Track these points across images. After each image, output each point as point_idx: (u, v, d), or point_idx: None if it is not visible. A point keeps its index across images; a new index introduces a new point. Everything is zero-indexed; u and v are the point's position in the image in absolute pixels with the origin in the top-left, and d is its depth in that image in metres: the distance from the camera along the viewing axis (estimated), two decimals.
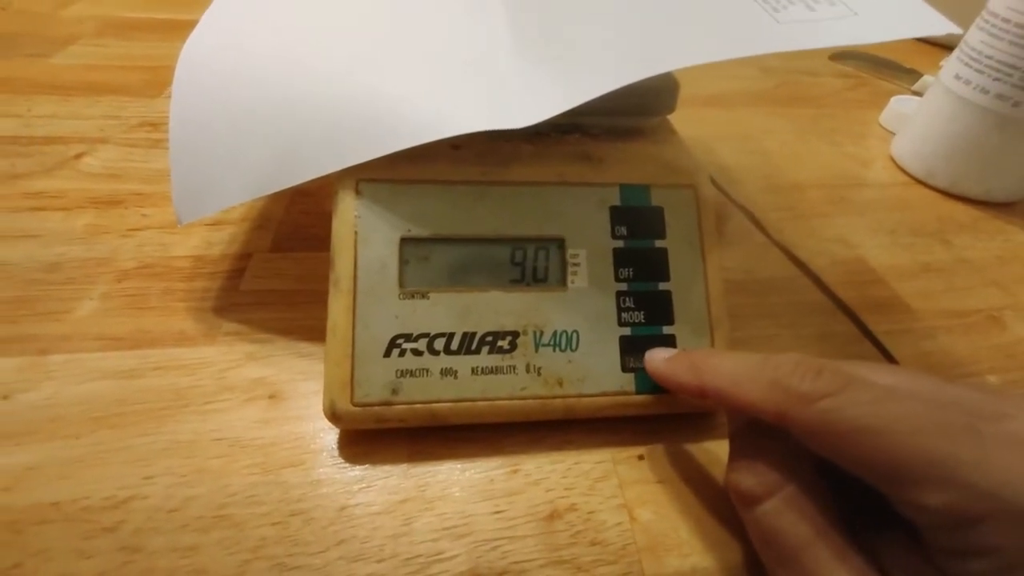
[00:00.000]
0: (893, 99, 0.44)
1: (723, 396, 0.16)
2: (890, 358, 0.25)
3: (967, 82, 0.33)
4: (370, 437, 0.20)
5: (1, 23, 0.47)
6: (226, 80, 0.21)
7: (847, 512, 0.15)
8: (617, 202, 0.21)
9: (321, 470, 0.19)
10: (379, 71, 0.21)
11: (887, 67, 0.53)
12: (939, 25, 0.18)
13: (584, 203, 0.21)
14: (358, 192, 0.20)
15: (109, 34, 0.47)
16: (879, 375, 0.15)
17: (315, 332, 0.23)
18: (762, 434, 0.17)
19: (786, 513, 0.15)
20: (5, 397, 0.20)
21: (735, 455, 0.17)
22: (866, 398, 0.14)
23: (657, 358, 0.19)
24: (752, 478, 0.16)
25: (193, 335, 0.23)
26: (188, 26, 0.22)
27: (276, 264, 0.27)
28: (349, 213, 0.20)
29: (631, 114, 0.23)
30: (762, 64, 0.53)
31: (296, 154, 0.20)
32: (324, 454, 0.19)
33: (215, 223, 0.28)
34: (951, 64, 0.35)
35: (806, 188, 0.36)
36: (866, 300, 0.27)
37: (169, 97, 0.21)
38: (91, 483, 0.18)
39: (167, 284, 0.25)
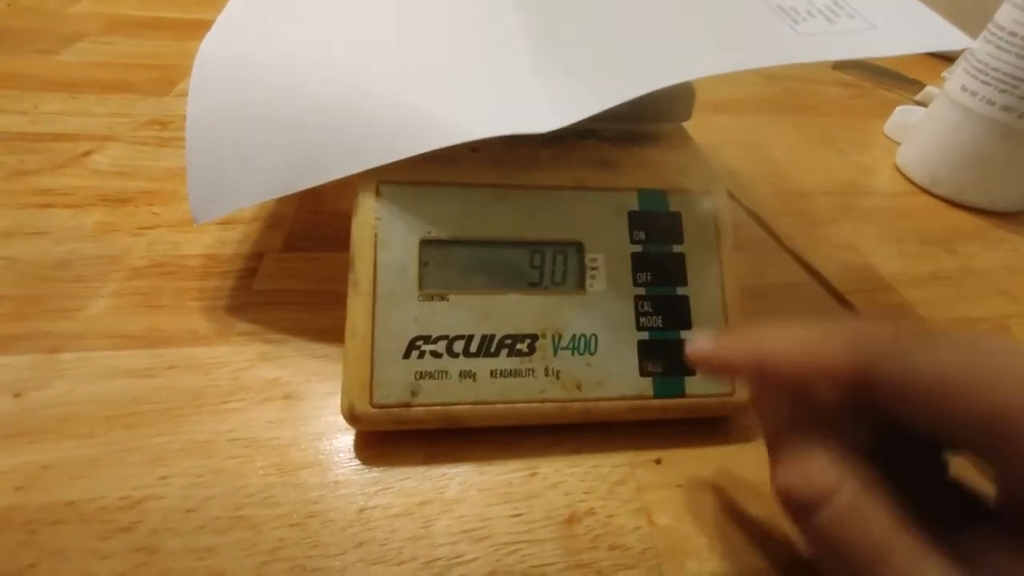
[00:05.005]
0: (897, 109, 0.44)
1: (789, 366, 0.14)
2: None
3: (973, 93, 0.34)
4: (386, 439, 0.20)
5: (7, 19, 0.47)
6: (245, 80, 0.21)
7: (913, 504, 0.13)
8: (635, 207, 0.21)
9: (338, 471, 0.19)
10: (401, 74, 0.21)
11: (889, 77, 0.54)
12: (957, 40, 0.18)
13: (602, 208, 0.21)
14: (378, 194, 0.20)
15: (116, 32, 0.46)
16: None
17: (328, 333, 0.23)
18: (804, 431, 0.14)
19: (851, 517, 0.13)
20: (17, 395, 0.20)
21: (779, 459, 0.15)
22: (960, 347, 0.12)
23: (703, 341, 0.17)
24: (804, 483, 0.13)
25: (207, 334, 0.23)
26: (195, 25, 0.22)
27: (288, 264, 0.26)
28: (369, 215, 0.20)
29: (648, 120, 0.23)
30: (766, 72, 0.54)
31: (316, 155, 0.20)
32: (341, 455, 0.19)
33: (227, 222, 0.28)
34: (957, 75, 0.35)
35: (813, 195, 0.36)
36: (877, 307, 0.28)
37: (178, 96, 0.21)
38: (106, 483, 0.18)
39: (179, 283, 0.25)
